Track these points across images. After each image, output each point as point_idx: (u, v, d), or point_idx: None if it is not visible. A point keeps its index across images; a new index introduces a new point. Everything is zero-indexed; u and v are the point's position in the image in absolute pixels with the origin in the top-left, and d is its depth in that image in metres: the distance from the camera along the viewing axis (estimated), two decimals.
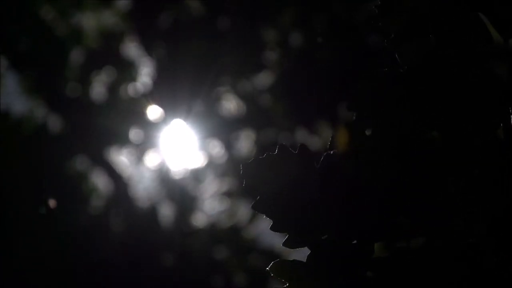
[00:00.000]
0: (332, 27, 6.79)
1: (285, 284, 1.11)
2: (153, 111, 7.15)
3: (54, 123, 7.11)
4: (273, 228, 1.13)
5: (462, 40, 1.12)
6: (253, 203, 1.12)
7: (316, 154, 1.14)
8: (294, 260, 1.13)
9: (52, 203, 6.46)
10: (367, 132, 1.14)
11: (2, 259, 6.49)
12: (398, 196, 1.12)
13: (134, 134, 7.30)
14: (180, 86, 6.97)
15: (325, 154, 1.12)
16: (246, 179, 1.11)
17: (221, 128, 7.25)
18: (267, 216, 1.13)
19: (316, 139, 7.04)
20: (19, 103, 7.06)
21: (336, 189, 1.13)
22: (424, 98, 1.14)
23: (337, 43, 6.68)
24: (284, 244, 1.13)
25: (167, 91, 7.05)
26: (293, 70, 7.00)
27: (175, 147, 7.42)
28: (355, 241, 1.12)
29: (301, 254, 1.14)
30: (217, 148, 7.39)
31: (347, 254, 1.12)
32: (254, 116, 7.20)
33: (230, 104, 7.31)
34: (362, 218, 1.13)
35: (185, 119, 7.05)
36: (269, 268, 1.12)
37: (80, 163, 7.21)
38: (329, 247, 1.12)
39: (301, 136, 7.15)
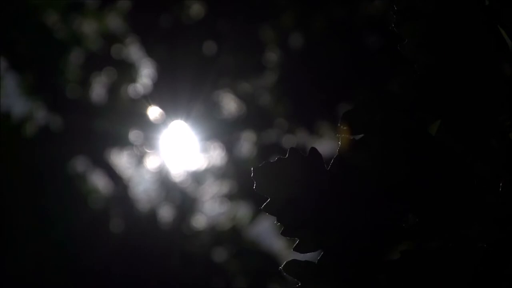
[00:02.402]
0: (333, 28, 6.79)
1: (298, 284, 1.12)
2: (153, 113, 7.15)
3: (54, 124, 7.10)
4: (284, 233, 1.14)
5: (475, 44, 1.13)
6: (263, 205, 1.12)
7: (326, 157, 1.14)
8: (306, 261, 1.14)
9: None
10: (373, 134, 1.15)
11: (2, 259, 6.48)
12: (408, 198, 1.13)
13: (134, 135, 7.30)
14: (180, 88, 6.96)
15: (335, 156, 1.13)
16: (257, 182, 1.11)
17: (221, 130, 7.25)
18: (277, 220, 1.13)
19: (317, 139, 7.05)
20: (19, 104, 7.06)
21: (346, 192, 1.13)
22: (435, 99, 1.15)
23: (338, 43, 6.68)
24: (295, 249, 1.14)
25: (167, 92, 7.05)
26: (294, 71, 7.00)
27: (175, 149, 7.41)
28: (366, 244, 1.12)
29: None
30: (217, 150, 7.38)
31: (359, 257, 1.12)
32: (254, 118, 7.20)
33: (231, 106, 7.30)
34: (373, 221, 1.13)
35: (185, 121, 7.04)
36: (282, 267, 1.13)
37: (80, 164, 7.20)
38: (340, 250, 1.12)
39: (302, 137, 7.15)
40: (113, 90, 7.25)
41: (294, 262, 1.12)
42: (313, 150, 1.12)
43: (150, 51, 7.30)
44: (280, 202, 1.12)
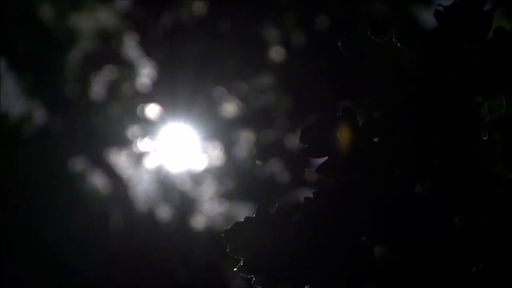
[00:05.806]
0: (334, 27, 6.79)
1: None
2: (153, 113, 7.15)
3: (53, 124, 7.10)
4: (255, 283, 1.17)
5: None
6: (237, 268, 1.15)
7: (293, 210, 1.17)
8: None
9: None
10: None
11: (2, 259, 6.50)
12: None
13: (134, 135, 7.29)
14: (180, 87, 6.96)
15: (301, 214, 1.16)
16: (229, 245, 1.13)
17: (221, 130, 7.24)
18: (251, 275, 1.16)
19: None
20: (18, 104, 7.06)
21: (313, 245, 1.16)
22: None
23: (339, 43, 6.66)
24: None
25: (167, 92, 7.05)
26: (295, 70, 7.00)
27: (175, 149, 7.42)
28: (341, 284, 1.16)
29: None
30: (216, 150, 7.38)
31: None
32: (254, 117, 7.19)
33: (231, 105, 7.30)
34: (345, 262, 1.17)
35: (185, 120, 7.04)
36: None
37: (79, 164, 7.21)
38: None
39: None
40: (113, 89, 7.25)
41: None
42: (280, 208, 1.14)
43: (150, 50, 7.29)
44: (253, 260, 1.14)
